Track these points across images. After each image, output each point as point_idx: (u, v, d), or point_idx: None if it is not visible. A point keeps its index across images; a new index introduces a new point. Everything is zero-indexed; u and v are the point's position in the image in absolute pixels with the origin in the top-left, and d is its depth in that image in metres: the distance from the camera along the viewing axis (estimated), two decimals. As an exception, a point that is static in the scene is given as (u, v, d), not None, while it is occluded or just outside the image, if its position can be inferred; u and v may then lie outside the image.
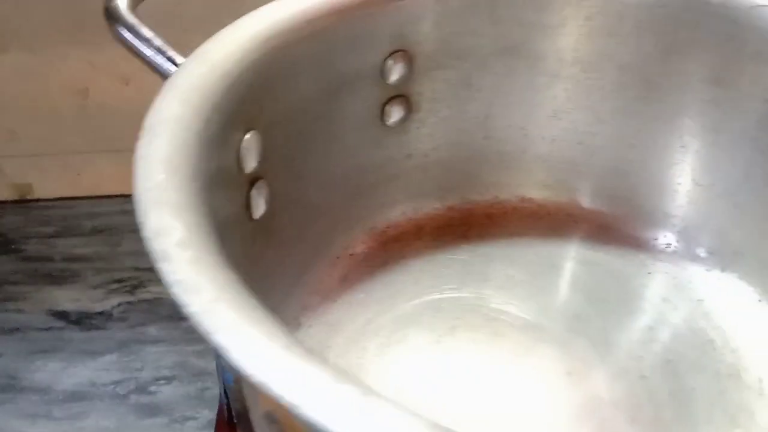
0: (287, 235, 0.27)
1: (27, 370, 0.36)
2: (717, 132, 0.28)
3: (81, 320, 0.38)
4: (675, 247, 0.30)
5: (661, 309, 0.28)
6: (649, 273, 0.29)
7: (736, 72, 0.26)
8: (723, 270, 0.29)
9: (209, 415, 0.33)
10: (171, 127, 0.18)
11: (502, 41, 0.29)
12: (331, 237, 0.30)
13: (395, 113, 0.29)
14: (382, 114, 0.29)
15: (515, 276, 0.29)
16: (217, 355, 0.23)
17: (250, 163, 0.22)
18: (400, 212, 0.32)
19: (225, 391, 0.24)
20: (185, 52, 0.22)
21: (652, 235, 0.31)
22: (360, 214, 0.31)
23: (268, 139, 0.23)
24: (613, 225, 0.31)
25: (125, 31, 0.22)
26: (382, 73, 0.28)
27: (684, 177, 0.30)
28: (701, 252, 0.30)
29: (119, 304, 0.39)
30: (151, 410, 0.34)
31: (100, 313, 0.39)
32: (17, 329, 0.38)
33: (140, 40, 0.22)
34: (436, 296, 0.29)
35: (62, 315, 0.39)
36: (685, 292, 0.29)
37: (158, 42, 0.22)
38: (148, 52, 0.22)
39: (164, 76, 0.21)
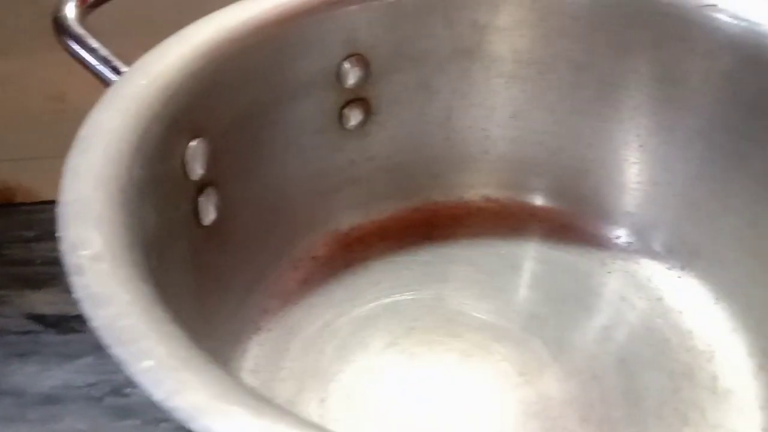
0: (244, 240, 0.27)
1: (3, 373, 0.36)
2: (672, 130, 0.28)
3: (58, 323, 0.39)
4: (635, 245, 0.30)
5: (618, 307, 0.28)
6: (609, 272, 0.30)
7: (688, 71, 0.26)
8: (683, 269, 0.29)
9: (181, 417, 0.34)
10: (105, 138, 0.18)
11: (457, 43, 0.29)
12: (292, 240, 0.30)
13: (354, 117, 0.29)
14: (341, 117, 0.29)
15: (475, 276, 0.30)
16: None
17: (197, 170, 0.23)
18: (364, 214, 0.32)
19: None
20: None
21: (612, 234, 0.31)
22: (323, 217, 0.31)
23: (218, 146, 0.24)
24: (573, 224, 0.31)
25: (71, 41, 0.22)
26: (339, 77, 0.28)
27: (642, 176, 0.30)
28: (661, 250, 0.30)
29: (95, 308, 0.39)
30: (125, 412, 0.35)
31: (77, 317, 0.39)
32: (-5, 333, 0.38)
33: (86, 50, 0.22)
34: (396, 298, 0.29)
35: (40, 318, 0.39)
36: (644, 290, 0.29)
37: (104, 52, 0.22)
38: (94, 62, 0.22)
39: (109, 86, 0.22)
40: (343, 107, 0.29)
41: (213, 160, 0.23)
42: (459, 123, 0.31)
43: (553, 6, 0.28)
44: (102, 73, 0.22)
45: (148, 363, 0.12)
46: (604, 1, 0.27)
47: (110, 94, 0.20)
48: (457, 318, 0.28)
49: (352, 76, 0.28)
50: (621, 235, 0.31)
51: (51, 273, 0.42)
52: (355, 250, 0.31)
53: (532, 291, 0.29)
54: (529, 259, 0.30)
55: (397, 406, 0.25)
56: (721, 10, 0.26)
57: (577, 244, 0.31)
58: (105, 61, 0.22)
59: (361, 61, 0.28)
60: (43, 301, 0.40)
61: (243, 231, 0.26)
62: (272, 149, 0.27)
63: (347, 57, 0.28)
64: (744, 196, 0.26)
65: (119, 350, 0.13)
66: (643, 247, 0.30)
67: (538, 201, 0.32)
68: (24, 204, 0.46)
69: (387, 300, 0.29)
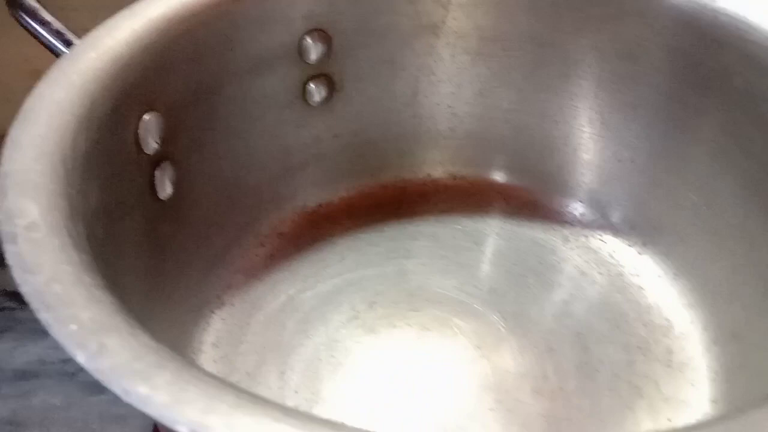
0: (205, 215, 0.27)
1: (-23, 350, 0.37)
2: (634, 108, 0.28)
3: (34, 300, 0.39)
4: (598, 222, 0.30)
5: (578, 283, 0.29)
6: (571, 248, 0.30)
7: (647, 47, 0.26)
8: (644, 245, 0.29)
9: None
10: (50, 110, 0.18)
11: (422, 19, 0.29)
12: (258, 217, 0.30)
13: (318, 93, 0.29)
14: (305, 94, 0.29)
15: (439, 252, 0.30)
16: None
17: (152, 144, 0.23)
18: (331, 192, 0.32)
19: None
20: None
21: (576, 211, 0.31)
22: (290, 194, 0.31)
23: (174, 121, 0.24)
24: (538, 200, 0.31)
25: (23, 13, 0.22)
26: (300, 52, 0.28)
27: (606, 152, 0.30)
28: (623, 227, 0.30)
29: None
30: (99, 387, 0.35)
31: (52, 293, 0.39)
32: (-31, 311, 0.38)
33: (38, 23, 0.22)
34: (360, 273, 0.29)
35: (15, 295, 0.40)
36: (605, 266, 0.29)
37: (57, 25, 0.22)
38: (46, 35, 0.22)
39: (61, 59, 0.22)
40: (307, 83, 0.29)
41: (169, 134, 0.23)
42: (426, 100, 0.31)
43: (516, -19, 0.28)
44: (55, 46, 0.22)
45: (72, 327, 0.13)
46: (566, -24, 0.27)
47: (58, 66, 0.20)
48: (418, 293, 0.28)
49: (314, 51, 0.28)
50: (585, 211, 0.31)
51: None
52: (322, 227, 0.31)
53: (494, 267, 0.29)
54: (493, 235, 0.31)
55: (355, 378, 0.25)
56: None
57: (541, 221, 0.31)
58: (58, 35, 0.22)
59: (323, 36, 0.28)
60: (18, 278, 0.41)
61: (203, 206, 0.27)
62: (233, 125, 0.27)
63: (308, 32, 0.28)
64: (701, 173, 0.26)
65: (46, 315, 0.13)
66: (606, 224, 0.30)
67: (504, 178, 0.32)
68: None
69: (351, 275, 0.29)
